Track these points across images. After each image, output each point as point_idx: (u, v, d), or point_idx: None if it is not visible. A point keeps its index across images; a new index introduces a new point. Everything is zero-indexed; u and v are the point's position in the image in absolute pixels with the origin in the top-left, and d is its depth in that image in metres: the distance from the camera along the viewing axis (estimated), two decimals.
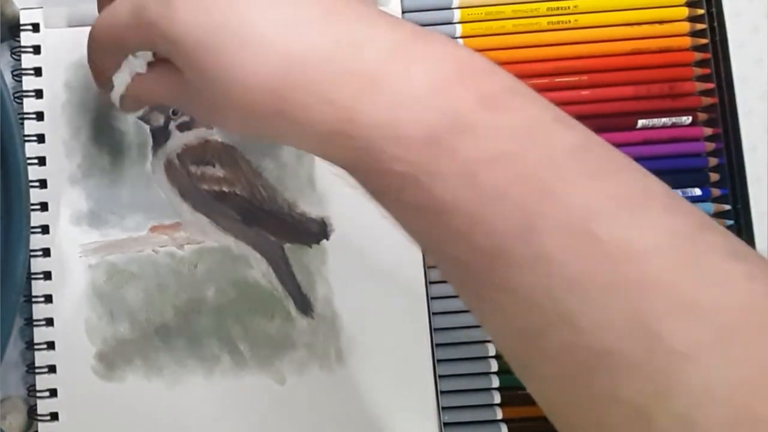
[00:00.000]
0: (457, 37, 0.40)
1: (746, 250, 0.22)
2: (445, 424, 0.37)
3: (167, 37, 0.25)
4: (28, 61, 0.38)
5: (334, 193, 0.38)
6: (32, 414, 0.37)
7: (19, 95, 0.38)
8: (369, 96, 0.22)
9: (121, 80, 0.31)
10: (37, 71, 0.38)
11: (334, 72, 0.23)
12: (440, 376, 0.38)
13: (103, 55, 0.30)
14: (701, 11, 0.40)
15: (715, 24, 0.40)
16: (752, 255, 0.22)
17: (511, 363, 0.24)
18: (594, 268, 0.20)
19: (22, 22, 0.38)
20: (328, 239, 0.38)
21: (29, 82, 0.38)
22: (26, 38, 0.38)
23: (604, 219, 0.21)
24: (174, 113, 0.38)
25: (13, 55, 0.39)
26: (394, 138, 0.22)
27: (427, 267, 0.38)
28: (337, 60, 0.23)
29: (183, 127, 0.39)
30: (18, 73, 0.38)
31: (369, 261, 0.38)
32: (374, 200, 0.25)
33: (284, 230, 0.38)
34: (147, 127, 0.39)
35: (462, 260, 0.22)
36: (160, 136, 0.39)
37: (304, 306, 0.38)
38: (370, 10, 0.24)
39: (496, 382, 0.38)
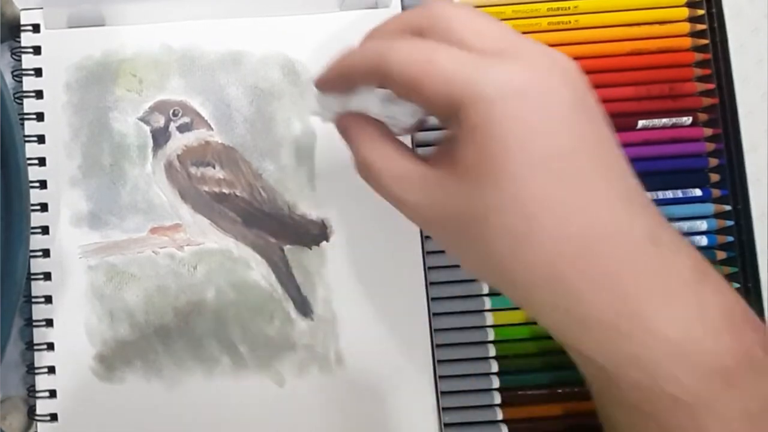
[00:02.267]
0: None
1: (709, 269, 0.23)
2: (446, 425, 0.37)
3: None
4: (28, 61, 0.38)
5: (333, 195, 0.38)
6: (32, 414, 0.37)
7: (20, 96, 0.38)
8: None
9: (352, 105, 0.29)
10: (38, 72, 0.38)
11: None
12: (440, 377, 0.37)
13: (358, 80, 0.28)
14: (701, 12, 0.40)
15: (716, 24, 0.40)
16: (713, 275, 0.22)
17: None
18: None
19: (22, 22, 0.38)
20: (328, 241, 0.38)
21: (29, 83, 0.38)
22: (26, 39, 0.38)
23: None
24: (174, 114, 0.38)
25: (14, 56, 0.39)
26: (689, 363, 0.22)
27: (426, 268, 0.38)
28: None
29: (183, 129, 0.38)
30: (18, 74, 0.38)
31: (369, 263, 0.38)
32: (602, 399, 0.25)
33: (284, 232, 0.38)
34: (147, 129, 0.39)
35: None
36: (161, 138, 0.38)
37: (304, 308, 0.38)
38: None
39: (496, 382, 0.38)
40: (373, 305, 0.38)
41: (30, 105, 0.38)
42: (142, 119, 0.39)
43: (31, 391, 0.37)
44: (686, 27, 0.40)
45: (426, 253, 0.38)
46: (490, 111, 0.23)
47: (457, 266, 0.38)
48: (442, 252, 0.38)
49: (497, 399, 0.37)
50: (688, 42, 0.40)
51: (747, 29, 0.40)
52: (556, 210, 0.23)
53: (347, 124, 0.29)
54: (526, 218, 0.23)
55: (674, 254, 0.24)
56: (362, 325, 0.38)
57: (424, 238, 0.38)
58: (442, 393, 0.37)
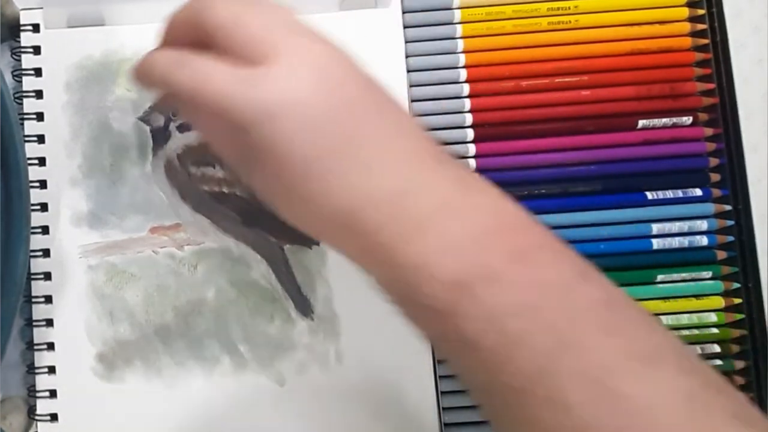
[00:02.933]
0: (457, 38, 0.40)
1: (753, 414, 0.24)
2: (446, 425, 0.37)
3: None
4: (28, 61, 0.38)
5: None
6: (32, 414, 0.37)
7: (19, 96, 0.38)
8: (417, 238, 0.25)
9: None
10: (38, 72, 0.38)
11: (395, 213, 0.25)
12: (440, 377, 0.37)
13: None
14: (702, 11, 0.40)
15: (716, 24, 0.40)
16: (759, 420, 0.23)
17: None
18: (606, 416, 0.22)
19: (22, 22, 0.38)
20: None
21: (29, 83, 0.38)
22: (26, 39, 0.38)
23: (617, 374, 0.23)
24: (174, 114, 0.38)
25: (14, 56, 0.39)
26: (429, 278, 0.24)
27: None
28: (399, 204, 0.25)
29: (183, 128, 0.38)
30: (18, 74, 0.38)
31: None
32: (410, 322, 0.26)
33: (284, 231, 0.38)
34: (147, 128, 0.39)
35: (489, 390, 0.24)
36: (161, 137, 0.38)
37: (304, 307, 0.38)
38: (437, 157, 0.26)
39: None
40: (373, 304, 0.37)
41: (30, 105, 0.38)
42: (142, 119, 0.39)
43: (32, 391, 0.37)
44: (686, 27, 0.40)
45: None
46: (260, 132, 0.25)
47: None
48: None
49: None
50: (688, 42, 0.40)
51: (747, 29, 0.40)
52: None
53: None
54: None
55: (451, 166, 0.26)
56: (362, 325, 0.38)
57: None
58: (442, 393, 0.37)
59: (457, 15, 0.40)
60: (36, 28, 0.38)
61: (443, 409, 0.37)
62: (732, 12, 0.40)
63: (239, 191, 0.38)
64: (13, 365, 0.38)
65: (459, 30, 0.40)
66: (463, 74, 0.39)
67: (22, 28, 0.38)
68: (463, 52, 0.40)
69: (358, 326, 0.38)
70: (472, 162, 0.39)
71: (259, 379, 0.37)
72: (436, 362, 0.37)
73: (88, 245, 0.38)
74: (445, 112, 0.40)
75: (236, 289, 0.38)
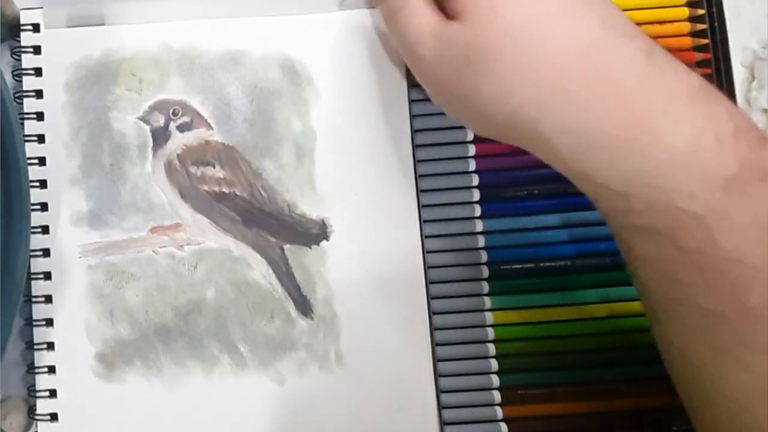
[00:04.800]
0: None
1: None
2: (445, 423, 0.37)
3: None
4: (28, 61, 0.38)
5: (334, 194, 0.38)
6: (32, 414, 0.37)
7: (19, 95, 0.38)
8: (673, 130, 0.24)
9: None
10: (38, 71, 0.38)
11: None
12: (440, 375, 0.37)
13: None
14: (701, 11, 0.40)
15: (716, 24, 0.40)
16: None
17: (749, 418, 0.23)
18: None
19: (22, 22, 0.38)
20: (328, 240, 0.38)
21: (29, 83, 0.38)
22: (26, 38, 0.38)
23: None
24: (174, 114, 0.38)
25: (14, 56, 0.39)
26: (699, 174, 0.23)
27: (427, 267, 0.38)
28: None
29: (183, 128, 0.38)
30: (18, 74, 0.38)
31: (369, 262, 0.38)
32: (621, 232, 0.26)
33: (284, 231, 0.38)
34: (147, 128, 0.39)
35: (721, 314, 0.23)
36: (160, 137, 0.38)
37: (304, 307, 0.38)
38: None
39: (496, 381, 0.38)
40: (373, 304, 0.38)
41: (30, 105, 0.38)
42: (141, 119, 0.39)
43: (32, 391, 0.37)
44: (686, 27, 0.40)
45: (426, 252, 0.38)
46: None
47: (457, 265, 0.38)
48: (443, 251, 0.38)
49: (497, 398, 0.37)
50: (688, 42, 0.40)
51: (747, 29, 0.40)
52: (556, 32, 0.28)
53: None
54: (526, 47, 0.28)
55: (673, 69, 0.27)
56: (362, 325, 0.38)
57: (425, 237, 0.38)
58: (442, 391, 0.37)
59: None
60: (36, 27, 0.38)
61: (443, 407, 0.37)
62: (732, 12, 0.40)
63: (239, 191, 0.38)
64: (13, 365, 0.38)
65: None
66: None
67: (22, 27, 0.38)
68: None
69: (358, 326, 0.38)
70: (472, 162, 0.39)
71: (259, 379, 0.37)
72: (436, 361, 0.37)
73: (87, 245, 0.38)
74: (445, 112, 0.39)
75: (236, 289, 0.38)
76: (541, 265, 0.38)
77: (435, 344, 0.38)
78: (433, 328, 0.38)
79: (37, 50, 0.38)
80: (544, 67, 0.28)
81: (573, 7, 0.28)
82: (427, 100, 0.39)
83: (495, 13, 0.28)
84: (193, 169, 0.38)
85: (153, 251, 0.38)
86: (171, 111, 0.39)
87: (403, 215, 0.38)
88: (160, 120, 0.39)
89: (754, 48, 0.40)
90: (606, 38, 0.28)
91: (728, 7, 0.40)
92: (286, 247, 0.38)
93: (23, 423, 0.37)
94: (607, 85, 0.27)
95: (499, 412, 0.37)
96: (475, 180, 0.38)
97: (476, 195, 0.38)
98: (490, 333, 0.38)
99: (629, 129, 0.26)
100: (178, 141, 0.38)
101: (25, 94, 0.38)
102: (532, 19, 0.28)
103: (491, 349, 0.38)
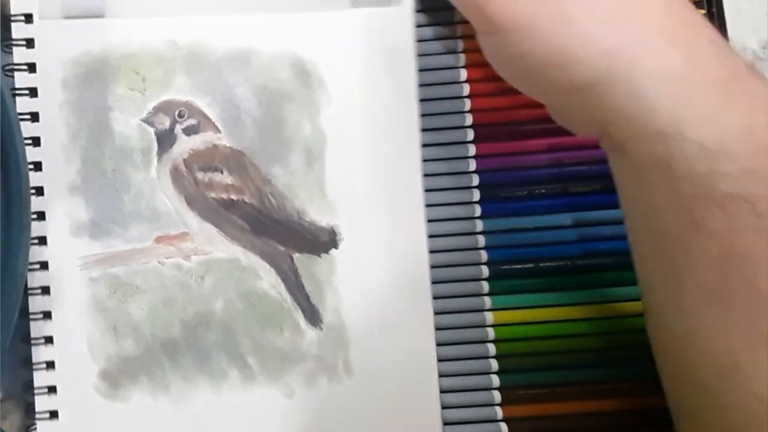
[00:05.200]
0: (457, 38, 0.39)
1: None
2: (445, 423, 0.37)
3: None
4: (20, 55, 0.35)
5: (343, 201, 0.37)
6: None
7: (12, 93, 0.35)
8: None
9: None
10: (31, 67, 0.36)
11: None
12: (440, 375, 0.38)
13: None
14: (702, 11, 0.41)
15: (716, 24, 0.40)
16: None
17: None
18: None
19: (13, 12, 0.35)
20: (337, 248, 0.37)
21: (22, 79, 0.35)
22: (18, 30, 0.35)
23: None
24: (180, 116, 0.36)
25: (4, 49, 0.36)
26: (750, 140, 0.23)
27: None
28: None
29: (189, 131, 0.37)
30: (9, 69, 0.35)
31: (377, 269, 0.37)
32: (686, 201, 0.26)
33: (294, 239, 0.37)
34: (151, 131, 0.37)
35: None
36: (166, 141, 0.37)
37: (313, 317, 0.37)
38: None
39: (496, 381, 0.38)
40: (380, 312, 0.37)
41: (23, 104, 0.35)
42: (145, 120, 0.37)
43: (32, 412, 0.35)
44: None
45: (430, 252, 0.38)
46: None
47: (457, 265, 0.38)
48: (443, 251, 0.38)
49: (497, 398, 0.38)
50: None
51: (747, 29, 0.41)
52: None
53: None
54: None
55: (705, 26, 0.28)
56: (370, 333, 0.37)
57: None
58: (442, 391, 0.38)
59: (458, 15, 0.39)
60: (29, 18, 0.35)
61: (443, 407, 0.37)
62: (732, 12, 0.41)
63: (248, 198, 0.37)
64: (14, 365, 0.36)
65: (459, 30, 0.39)
66: (463, 74, 0.39)
67: (13, 18, 0.35)
68: (463, 51, 0.39)
69: (367, 335, 0.37)
70: (473, 162, 0.39)
71: (268, 391, 0.37)
72: (437, 361, 0.38)
73: (88, 257, 0.36)
74: (445, 113, 0.39)
75: (245, 300, 0.37)
76: (541, 265, 0.38)
77: (436, 344, 0.38)
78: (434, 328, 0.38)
79: (29, 43, 0.35)
80: (653, 5, 0.28)
81: None
82: (426, 99, 0.39)
83: None
84: (200, 175, 0.37)
85: (158, 262, 0.36)
86: (177, 113, 0.37)
87: (410, 220, 0.38)
88: (165, 122, 0.37)
89: (754, 48, 0.41)
90: None
91: (728, 6, 0.41)
92: (296, 256, 0.37)
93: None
94: (711, 36, 0.27)
95: (499, 412, 0.38)
96: (476, 180, 0.38)
97: (476, 195, 0.38)
98: (491, 333, 0.38)
99: (733, 80, 0.25)
100: (184, 145, 0.37)
101: (17, 92, 0.35)
102: None
103: (491, 349, 0.38)
